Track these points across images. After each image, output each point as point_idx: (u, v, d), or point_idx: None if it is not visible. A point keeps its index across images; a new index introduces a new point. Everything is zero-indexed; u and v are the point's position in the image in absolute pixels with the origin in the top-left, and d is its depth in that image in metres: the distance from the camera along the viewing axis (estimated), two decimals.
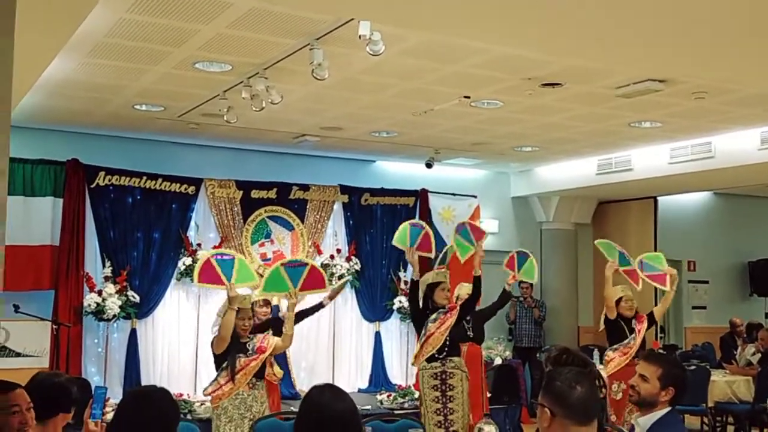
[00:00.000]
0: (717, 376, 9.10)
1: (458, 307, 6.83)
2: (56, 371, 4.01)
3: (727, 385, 8.99)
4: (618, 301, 7.33)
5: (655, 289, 11.41)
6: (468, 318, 7.49)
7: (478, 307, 7.72)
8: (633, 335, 7.20)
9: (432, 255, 7.47)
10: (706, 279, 13.35)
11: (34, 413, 3.35)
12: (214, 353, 5.87)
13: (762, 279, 13.40)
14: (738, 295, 13.59)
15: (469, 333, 7.99)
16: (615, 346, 7.23)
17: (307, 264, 6.58)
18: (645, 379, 3.54)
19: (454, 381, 6.69)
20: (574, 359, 3.71)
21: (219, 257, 6.17)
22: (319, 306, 7.18)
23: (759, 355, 9.53)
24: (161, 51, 6.00)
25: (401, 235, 7.19)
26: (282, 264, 6.54)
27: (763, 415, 8.31)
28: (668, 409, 3.52)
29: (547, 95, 7.18)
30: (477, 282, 6.97)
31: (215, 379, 5.88)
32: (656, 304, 10.00)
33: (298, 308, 6.40)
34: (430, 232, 7.24)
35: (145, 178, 9.06)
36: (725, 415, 9.51)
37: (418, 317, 6.94)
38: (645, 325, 7.25)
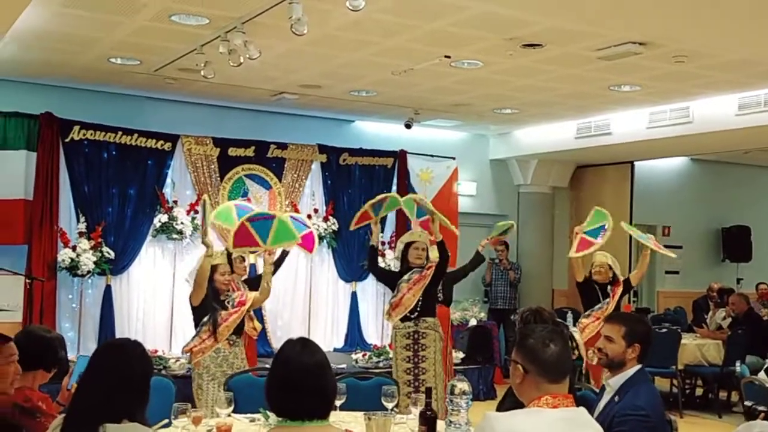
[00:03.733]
0: (687, 340, 9.24)
1: (434, 267, 6.81)
2: (50, 329, 4.00)
3: (697, 348, 9.13)
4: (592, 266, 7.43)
5: (630, 255, 11.60)
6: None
7: (451, 269, 7.75)
8: (607, 300, 7.27)
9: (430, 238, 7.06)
10: (680, 244, 13.48)
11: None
12: (192, 306, 5.85)
13: (734, 245, 13.59)
14: (711, 260, 13.77)
15: (438, 295, 8.02)
16: (588, 312, 7.30)
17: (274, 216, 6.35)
18: (610, 340, 3.59)
19: (427, 341, 6.71)
20: (544, 318, 3.77)
21: (254, 221, 6.00)
22: (284, 253, 6.95)
23: (729, 319, 9.68)
24: (137, 2, 5.89)
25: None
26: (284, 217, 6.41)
27: (732, 377, 8.46)
28: (637, 367, 3.57)
29: (528, 56, 7.14)
30: (440, 246, 6.96)
31: (196, 335, 5.85)
32: (630, 270, 10.12)
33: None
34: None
35: (120, 133, 8.93)
36: (694, 378, 9.68)
37: (384, 279, 7.04)
38: (620, 290, 7.32)
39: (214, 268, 5.80)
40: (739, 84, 8.17)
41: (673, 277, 13.51)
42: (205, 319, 5.78)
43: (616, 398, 3.50)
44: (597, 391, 4.08)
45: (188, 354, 5.99)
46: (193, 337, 5.89)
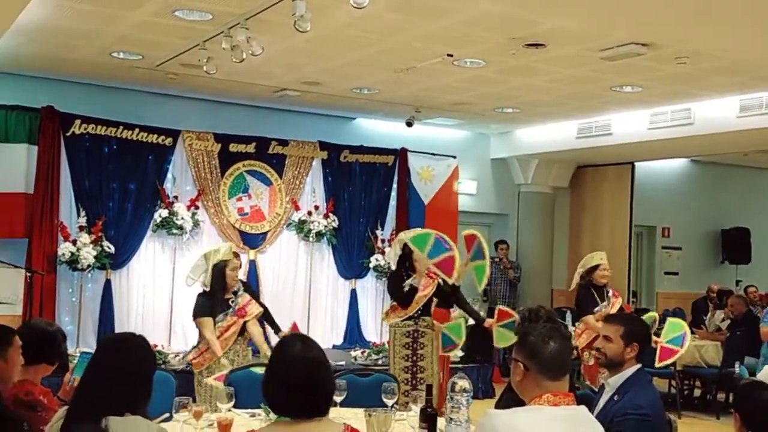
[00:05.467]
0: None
1: (436, 282, 6.83)
2: (51, 321, 4.00)
3: (696, 349, 9.13)
4: (595, 268, 7.28)
5: (629, 259, 11.67)
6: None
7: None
8: (605, 303, 7.13)
9: (451, 280, 6.86)
10: (680, 245, 13.53)
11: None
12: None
13: (734, 247, 13.60)
14: (710, 262, 13.78)
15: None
16: (585, 318, 7.16)
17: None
18: (609, 340, 3.61)
19: (426, 340, 6.77)
20: (540, 316, 3.80)
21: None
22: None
23: (728, 321, 9.69)
24: None
25: (421, 240, 6.89)
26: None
27: (730, 379, 8.46)
28: (637, 367, 3.58)
29: (531, 56, 7.14)
30: (453, 287, 6.96)
31: (196, 347, 5.95)
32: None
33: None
34: (456, 256, 6.83)
35: (121, 128, 8.93)
36: (693, 379, 9.69)
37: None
38: (620, 300, 7.22)
39: (225, 264, 5.87)
40: (741, 86, 8.17)
41: (673, 278, 13.53)
42: None
43: (616, 397, 3.51)
44: (596, 390, 4.10)
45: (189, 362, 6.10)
46: (193, 348, 5.97)
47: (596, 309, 7.12)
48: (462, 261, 6.88)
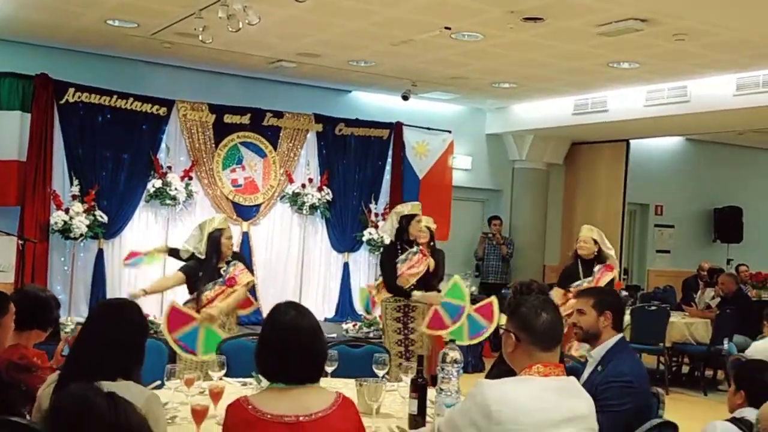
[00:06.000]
0: (676, 318, 9.31)
1: (428, 257, 6.87)
2: (44, 288, 4.03)
3: (685, 326, 9.20)
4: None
5: (621, 244, 11.67)
6: None
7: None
8: (589, 278, 6.73)
9: (423, 330, 6.80)
10: (672, 223, 13.57)
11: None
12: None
13: (726, 226, 13.66)
14: (702, 240, 13.84)
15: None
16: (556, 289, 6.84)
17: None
18: (582, 312, 3.67)
19: (416, 313, 6.80)
20: (531, 290, 3.83)
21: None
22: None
23: (718, 298, 9.75)
24: None
25: (455, 293, 6.81)
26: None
27: (718, 356, 8.53)
28: (618, 337, 3.62)
29: (529, 30, 7.11)
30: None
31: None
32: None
33: None
34: (448, 331, 6.68)
35: (115, 97, 8.87)
36: (681, 356, 9.77)
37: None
38: (612, 275, 6.80)
39: (220, 232, 5.87)
40: (738, 64, 8.15)
41: (664, 256, 13.59)
42: (191, 296, 5.85)
43: (599, 368, 3.54)
44: (582, 362, 4.12)
45: None
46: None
47: (576, 283, 6.72)
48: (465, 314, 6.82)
